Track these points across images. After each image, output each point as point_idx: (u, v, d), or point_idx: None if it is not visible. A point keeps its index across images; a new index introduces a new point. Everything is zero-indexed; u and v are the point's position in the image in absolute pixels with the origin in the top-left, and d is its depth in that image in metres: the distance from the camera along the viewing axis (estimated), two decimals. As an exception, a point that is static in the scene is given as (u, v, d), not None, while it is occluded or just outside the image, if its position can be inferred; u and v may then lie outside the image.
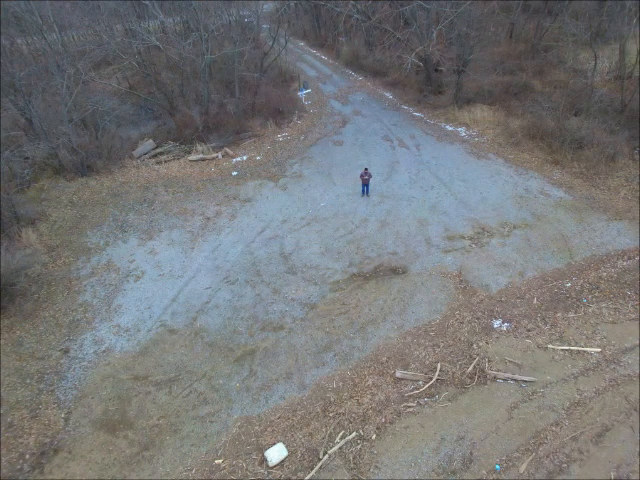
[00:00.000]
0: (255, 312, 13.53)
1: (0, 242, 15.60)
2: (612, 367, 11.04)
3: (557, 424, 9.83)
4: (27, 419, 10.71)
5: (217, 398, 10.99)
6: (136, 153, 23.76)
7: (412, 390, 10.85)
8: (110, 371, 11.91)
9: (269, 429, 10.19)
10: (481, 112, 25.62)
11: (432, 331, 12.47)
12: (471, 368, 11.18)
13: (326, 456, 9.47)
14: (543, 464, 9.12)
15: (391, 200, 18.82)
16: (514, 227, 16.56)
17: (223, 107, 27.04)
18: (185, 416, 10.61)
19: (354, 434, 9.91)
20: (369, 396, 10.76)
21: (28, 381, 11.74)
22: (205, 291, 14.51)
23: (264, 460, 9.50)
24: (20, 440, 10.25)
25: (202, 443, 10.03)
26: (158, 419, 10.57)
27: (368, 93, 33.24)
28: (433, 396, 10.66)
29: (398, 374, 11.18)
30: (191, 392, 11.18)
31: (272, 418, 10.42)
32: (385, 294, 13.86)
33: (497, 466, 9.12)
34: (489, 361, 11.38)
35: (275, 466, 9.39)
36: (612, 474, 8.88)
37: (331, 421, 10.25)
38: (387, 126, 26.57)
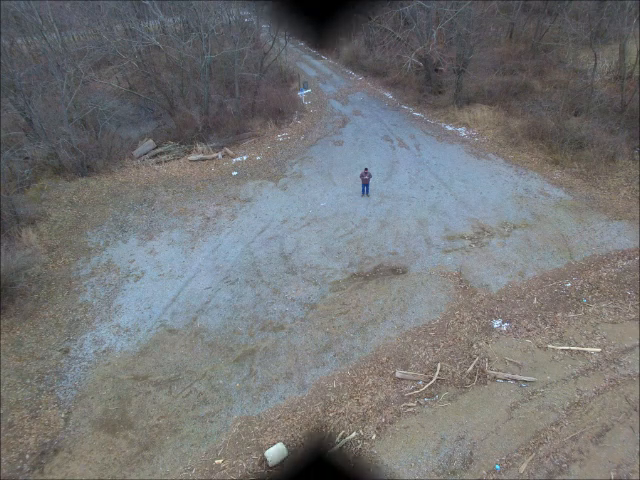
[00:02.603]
0: (255, 312, 13.53)
1: (0, 242, 15.61)
2: (612, 367, 11.05)
3: (557, 424, 9.83)
4: (27, 419, 10.71)
5: (217, 398, 10.99)
6: (136, 153, 23.76)
7: (412, 390, 10.85)
8: (110, 371, 11.91)
9: (269, 429, 10.19)
10: (481, 112, 25.61)
11: (432, 331, 12.48)
12: (471, 368, 11.19)
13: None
14: (543, 464, 9.12)
15: (391, 200, 18.82)
16: (514, 227, 16.56)
17: (223, 107, 27.05)
18: (185, 416, 10.61)
19: (354, 434, 9.92)
20: (369, 396, 10.76)
21: (28, 381, 11.74)
22: (205, 291, 14.51)
23: (264, 460, 9.50)
24: (20, 440, 10.25)
25: (202, 443, 10.03)
26: (158, 419, 10.58)
27: (368, 93, 33.23)
28: (433, 396, 10.66)
29: (398, 374, 11.18)
30: (191, 392, 11.18)
31: (272, 418, 10.42)
32: (385, 294, 13.86)
33: (497, 466, 9.12)
34: (489, 361, 11.38)
35: (275, 466, 9.39)
36: (612, 474, 8.88)
37: (331, 421, 10.26)
38: (387, 126, 26.56)
